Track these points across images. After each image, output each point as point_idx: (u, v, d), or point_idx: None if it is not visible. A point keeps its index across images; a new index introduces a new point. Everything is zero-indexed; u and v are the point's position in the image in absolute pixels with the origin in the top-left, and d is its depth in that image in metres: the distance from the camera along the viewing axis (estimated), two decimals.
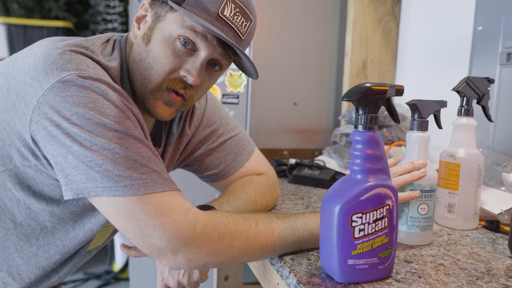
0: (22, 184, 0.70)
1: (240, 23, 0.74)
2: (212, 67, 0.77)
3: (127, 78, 0.77)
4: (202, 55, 0.73)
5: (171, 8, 0.72)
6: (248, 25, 0.75)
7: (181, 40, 0.72)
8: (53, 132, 0.61)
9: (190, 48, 0.73)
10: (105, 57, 0.73)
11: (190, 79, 0.73)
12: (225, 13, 0.71)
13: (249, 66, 0.77)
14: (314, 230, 0.72)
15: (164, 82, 0.74)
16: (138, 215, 0.60)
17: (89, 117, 0.61)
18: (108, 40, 0.77)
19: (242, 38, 0.75)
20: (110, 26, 2.75)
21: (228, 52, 0.74)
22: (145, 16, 0.77)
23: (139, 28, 0.78)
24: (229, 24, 0.72)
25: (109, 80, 0.67)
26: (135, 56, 0.76)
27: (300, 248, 0.73)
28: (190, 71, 0.73)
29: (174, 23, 0.72)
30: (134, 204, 0.60)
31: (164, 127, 0.88)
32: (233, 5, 0.72)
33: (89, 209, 0.77)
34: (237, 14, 0.73)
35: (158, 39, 0.73)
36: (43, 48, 0.66)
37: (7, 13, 2.71)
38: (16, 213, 0.73)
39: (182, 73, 0.74)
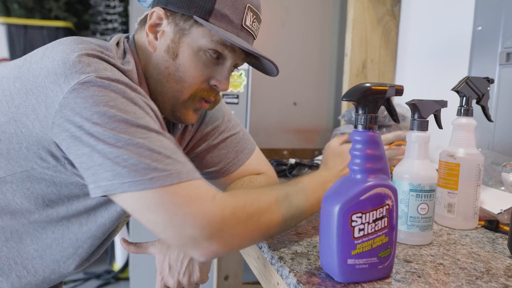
0: (40, 184, 0.71)
1: (256, 28, 0.80)
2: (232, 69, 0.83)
3: (144, 81, 0.79)
4: (229, 63, 0.79)
5: (196, 22, 0.75)
6: (259, 26, 0.82)
7: (210, 52, 0.76)
8: (76, 134, 0.62)
9: (217, 57, 0.78)
10: (119, 60, 0.74)
11: (221, 88, 0.79)
12: (247, 23, 0.77)
13: (268, 65, 0.82)
14: (314, 179, 0.79)
15: (198, 93, 0.79)
16: (167, 206, 0.61)
17: (111, 115, 0.62)
18: (117, 43, 0.78)
19: (255, 38, 0.82)
20: (110, 26, 2.75)
21: (249, 55, 0.80)
22: (159, 24, 0.78)
23: (155, 38, 0.79)
24: (250, 32, 0.78)
25: (127, 80, 0.68)
26: (162, 69, 0.78)
27: (314, 206, 0.76)
28: (221, 81, 0.79)
29: (202, 38, 0.75)
30: (163, 195, 0.61)
31: (169, 123, 0.89)
32: (251, 13, 0.77)
33: (103, 204, 0.78)
34: (255, 21, 0.79)
35: (187, 53, 0.76)
36: (60, 52, 0.67)
37: (7, 13, 2.71)
38: (33, 209, 0.74)
39: (212, 82, 0.79)
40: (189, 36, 0.76)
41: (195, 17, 0.73)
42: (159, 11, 0.77)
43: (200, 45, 0.76)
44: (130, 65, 0.75)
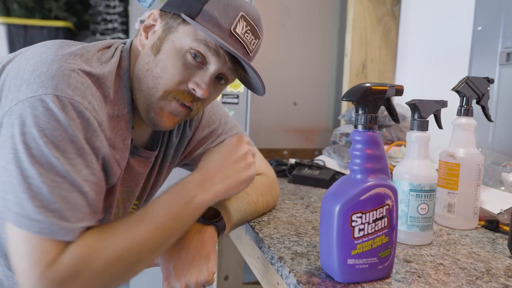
0: None
1: (249, 41, 0.75)
2: (218, 81, 0.78)
3: (127, 86, 0.76)
4: (212, 69, 0.74)
5: (184, 20, 0.73)
6: (256, 42, 0.77)
7: (192, 53, 0.73)
8: (6, 142, 0.61)
9: (200, 61, 0.73)
10: (101, 64, 0.72)
11: (199, 92, 0.74)
12: (237, 30, 0.73)
13: (256, 83, 0.78)
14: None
15: (171, 92, 0.74)
16: (20, 251, 0.60)
17: (39, 143, 0.60)
18: (109, 47, 0.77)
19: (250, 55, 0.77)
20: (110, 26, 2.75)
21: (237, 67, 0.75)
22: (154, 25, 0.77)
23: (146, 37, 0.77)
24: (240, 41, 0.74)
25: (86, 103, 0.65)
26: (142, 65, 0.75)
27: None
28: (199, 84, 0.74)
29: (186, 36, 0.72)
30: (24, 239, 0.59)
31: (164, 132, 0.88)
32: (244, 23, 0.73)
33: None
34: (248, 32, 0.74)
35: (168, 50, 0.73)
36: (37, 57, 0.66)
37: (7, 13, 2.70)
38: None
39: (190, 85, 0.74)
40: (175, 33, 0.73)
41: (182, 15, 0.72)
42: (156, 12, 0.77)
43: (183, 44, 0.72)
44: (107, 67, 0.72)
